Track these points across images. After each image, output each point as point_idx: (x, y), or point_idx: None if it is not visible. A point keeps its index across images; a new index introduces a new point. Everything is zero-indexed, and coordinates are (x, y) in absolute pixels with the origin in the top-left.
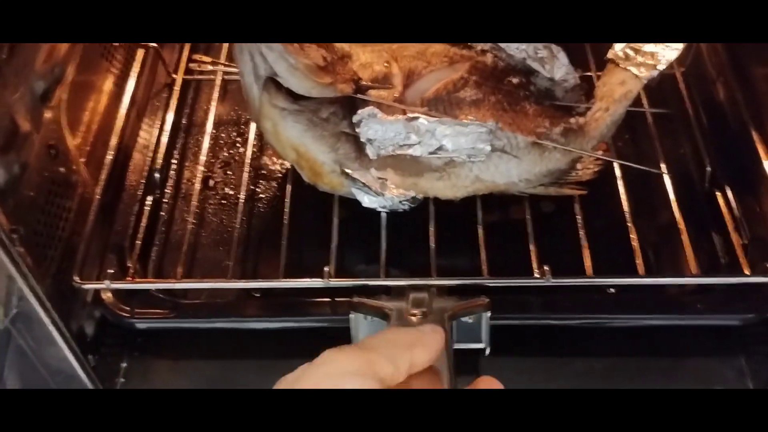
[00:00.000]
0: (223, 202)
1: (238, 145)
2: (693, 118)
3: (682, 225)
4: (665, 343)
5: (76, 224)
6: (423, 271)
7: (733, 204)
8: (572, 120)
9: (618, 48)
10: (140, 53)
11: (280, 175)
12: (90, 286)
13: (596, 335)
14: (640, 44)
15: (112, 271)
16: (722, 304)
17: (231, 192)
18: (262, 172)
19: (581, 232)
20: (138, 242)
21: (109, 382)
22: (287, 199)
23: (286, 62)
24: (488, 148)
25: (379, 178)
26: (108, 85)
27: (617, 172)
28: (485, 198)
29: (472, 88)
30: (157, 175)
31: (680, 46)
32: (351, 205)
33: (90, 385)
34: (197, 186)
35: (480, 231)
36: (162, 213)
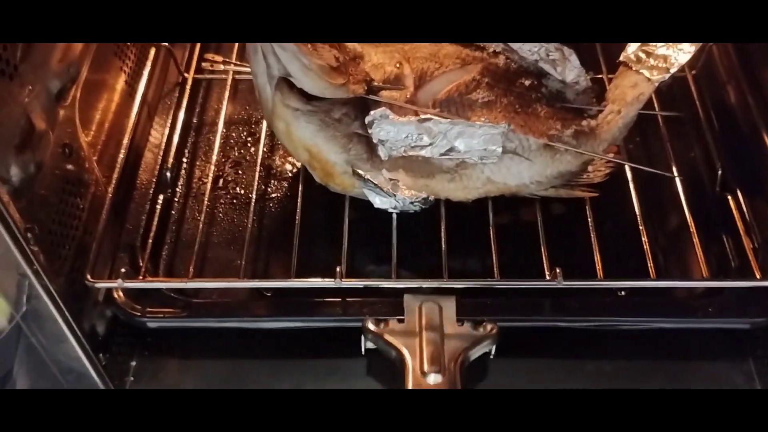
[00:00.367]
0: (234, 201)
1: (249, 144)
2: (704, 121)
3: (692, 228)
4: (675, 346)
5: (88, 223)
6: (434, 271)
7: (744, 207)
8: (584, 122)
9: (630, 51)
10: (152, 52)
11: (291, 174)
12: (102, 284)
13: (606, 338)
14: (653, 47)
15: (124, 270)
16: (732, 307)
17: (242, 191)
18: (273, 171)
19: (592, 235)
20: (149, 241)
21: (118, 381)
22: (298, 199)
23: (300, 62)
24: (500, 149)
25: (391, 179)
26: (120, 84)
27: (628, 174)
28: (496, 200)
29: (484, 90)
30: (168, 174)
31: (692, 49)
32: (362, 205)
33: (100, 384)
34: (208, 185)
35: (491, 232)
36: (173, 212)
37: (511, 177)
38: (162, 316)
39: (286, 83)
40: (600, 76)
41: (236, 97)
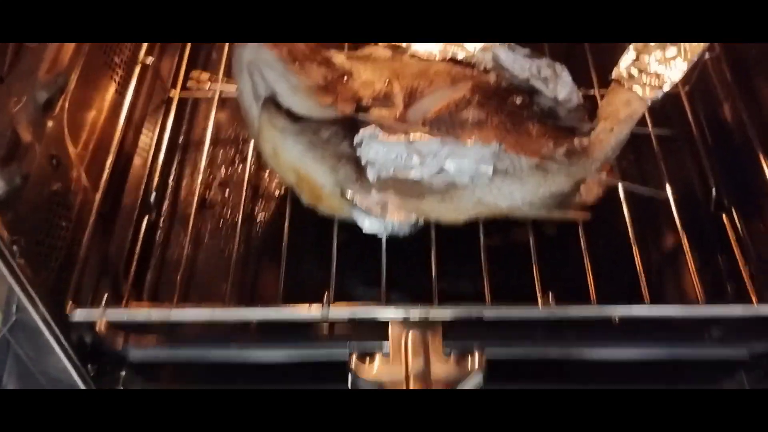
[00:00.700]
0: (220, 222)
1: (236, 163)
2: (698, 139)
3: (687, 249)
4: (669, 373)
5: (75, 234)
6: (424, 294)
7: (740, 227)
8: (576, 141)
9: (622, 67)
10: (137, 69)
11: (278, 194)
12: (83, 316)
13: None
14: (645, 64)
15: (106, 295)
16: (730, 334)
17: (228, 212)
18: (261, 191)
19: (585, 257)
20: (133, 266)
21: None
22: (286, 221)
23: (287, 82)
24: (491, 170)
25: (380, 201)
26: (106, 101)
27: (621, 194)
28: (488, 221)
29: (475, 108)
30: (153, 195)
31: (685, 66)
32: (352, 226)
33: None
34: (194, 206)
35: (482, 255)
36: (158, 234)
37: (502, 198)
38: (145, 345)
39: (273, 103)
40: (592, 92)
41: (223, 114)
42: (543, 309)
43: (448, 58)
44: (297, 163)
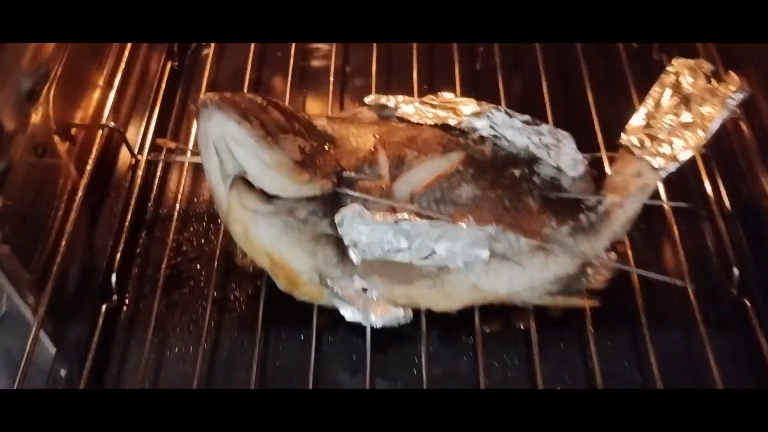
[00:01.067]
0: (189, 305)
1: (208, 237)
2: (717, 211)
3: (707, 342)
4: None
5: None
6: (413, 384)
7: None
8: (582, 217)
9: (632, 133)
10: (100, 133)
11: (253, 272)
12: None
13: None
14: (657, 129)
15: None
16: None
17: (198, 294)
18: (234, 270)
19: (593, 351)
20: (88, 365)
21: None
22: (260, 305)
23: (257, 159)
24: (487, 254)
25: (364, 289)
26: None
27: (633, 276)
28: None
29: (469, 183)
30: (114, 278)
31: (703, 135)
32: (333, 310)
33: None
34: (159, 291)
35: (478, 343)
36: (120, 323)
37: (500, 283)
38: None
39: (243, 181)
40: (598, 154)
41: (195, 182)
42: None
43: (439, 124)
44: (270, 246)
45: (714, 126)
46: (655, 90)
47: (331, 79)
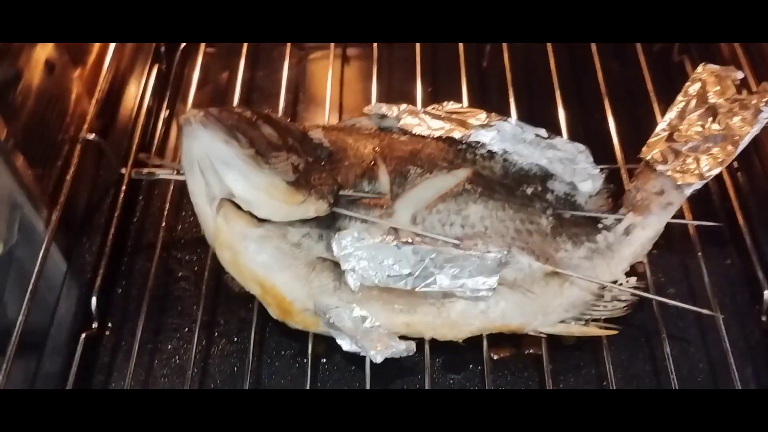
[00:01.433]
0: (175, 332)
1: (197, 257)
2: (746, 232)
3: (735, 375)
4: None
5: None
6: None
7: None
8: (599, 238)
9: (654, 147)
10: (78, 148)
11: (244, 296)
12: None
13: None
14: (681, 144)
15: None
16: None
17: (185, 320)
18: (224, 293)
19: (610, 377)
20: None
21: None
22: (252, 327)
23: (246, 181)
24: (496, 281)
25: (363, 317)
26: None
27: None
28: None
29: (477, 202)
30: (94, 302)
31: (732, 150)
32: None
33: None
34: (143, 316)
35: (486, 372)
36: (101, 354)
37: (510, 312)
38: None
39: (230, 204)
40: (616, 165)
41: (183, 199)
42: None
43: (444, 137)
44: (261, 273)
45: (745, 141)
46: (678, 100)
47: (329, 82)
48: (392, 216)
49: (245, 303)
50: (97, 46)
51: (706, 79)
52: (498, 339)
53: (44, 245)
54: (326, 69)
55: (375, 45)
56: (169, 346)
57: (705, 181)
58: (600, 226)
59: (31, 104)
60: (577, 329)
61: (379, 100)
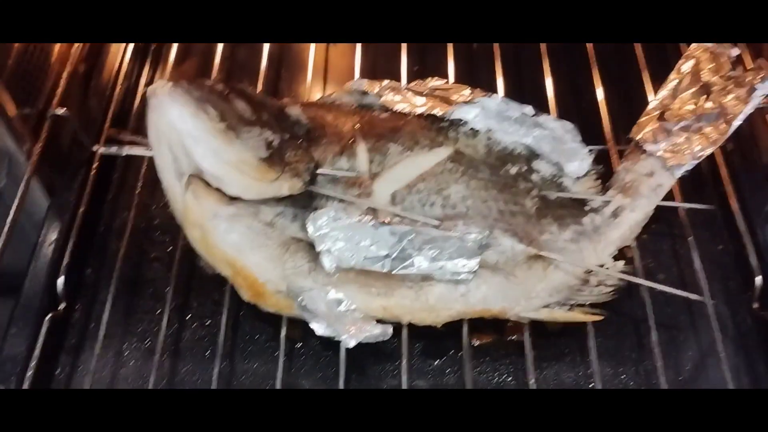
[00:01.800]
0: (146, 314)
1: (168, 237)
2: (738, 214)
3: (725, 362)
4: None
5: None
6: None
7: None
8: (586, 220)
9: (644, 127)
10: (47, 123)
11: (217, 277)
12: None
13: None
14: (672, 124)
15: None
16: None
17: (157, 303)
18: (197, 275)
19: (596, 375)
20: (26, 384)
21: None
22: (224, 313)
23: (216, 157)
24: (476, 264)
25: (338, 301)
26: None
27: (641, 287)
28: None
29: (458, 182)
30: (61, 282)
31: (726, 129)
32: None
33: None
34: (111, 297)
35: (466, 358)
36: (69, 334)
37: (492, 296)
38: None
39: (199, 181)
40: (606, 147)
41: (157, 178)
42: None
43: (426, 114)
44: (232, 254)
45: (738, 120)
46: (671, 77)
47: (311, 58)
48: (370, 195)
49: (219, 286)
50: None
51: (700, 56)
52: (479, 324)
53: (5, 232)
54: (309, 44)
55: None
56: (139, 329)
57: (696, 162)
58: (587, 208)
59: None
60: (560, 315)
61: (364, 76)
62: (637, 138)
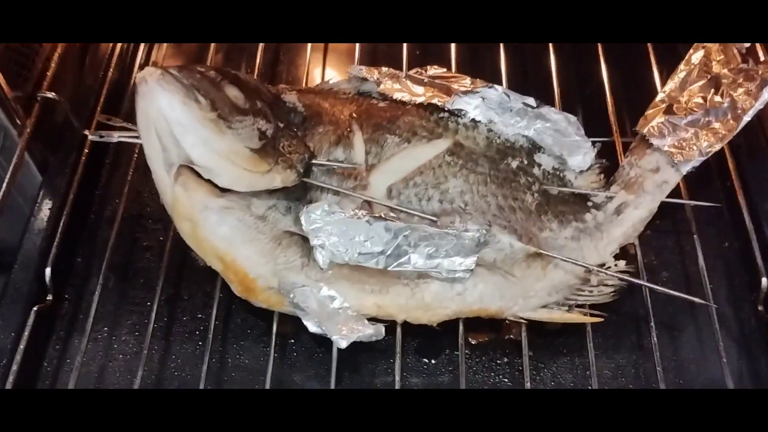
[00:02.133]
0: (136, 306)
1: (159, 227)
2: (747, 213)
3: (727, 367)
4: None
5: None
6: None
7: None
8: (588, 217)
9: (651, 120)
10: (37, 106)
11: (210, 271)
12: None
13: None
14: (679, 118)
15: None
16: None
17: (148, 294)
18: (189, 266)
19: (593, 375)
20: (11, 380)
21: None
22: (214, 306)
23: (206, 147)
24: (473, 262)
25: (331, 297)
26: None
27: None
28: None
29: (456, 176)
30: (48, 273)
31: (735, 126)
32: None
33: None
34: (99, 288)
35: (462, 357)
36: (57, 327)
37: (489, 295)
38: None
39: (189, 171)
40: (610, 138)
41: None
42: None
43: (425, 104)
44: (222, 247)
45: (748, 116)
46: (680, 69)
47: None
48: (366, 188)
49: (211, 277)
50: None
51: (710, 46)
52: (476, 322)
53: None
54: None
55: None
56: (129, 321)
57: (704, 159)
58: (589, 204)
59: None
60: (559, 315)
61: (364, 61)
62: (643, 131)
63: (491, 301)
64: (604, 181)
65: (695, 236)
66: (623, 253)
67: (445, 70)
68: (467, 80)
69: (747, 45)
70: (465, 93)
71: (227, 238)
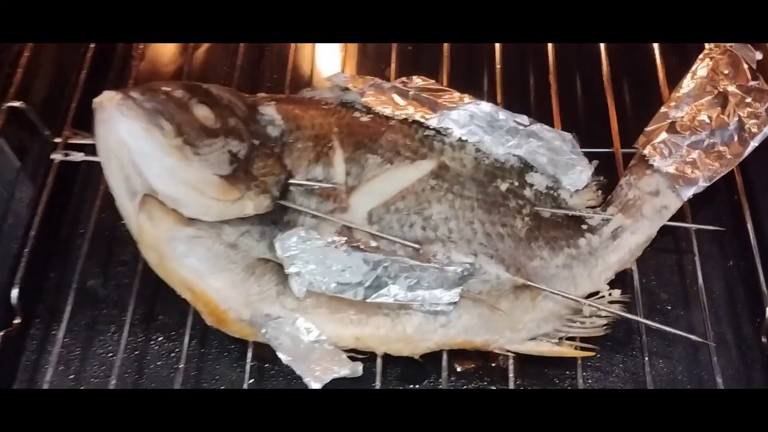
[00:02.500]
0: (108, 326)
1: (132, 241)
2: (753, 236)
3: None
4: None
5: None
6: None
7: None
8: (582, 242)
9: (652, 138)
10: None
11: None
12: None
13: None
14: (683, 138)
15: None
16: None
17: (121, 313)
18: (164, 283)
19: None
20: None
21: None
22: (187, 328)
23: (170, 176)
24: (457, 296)
25: (307, 330)
26: None
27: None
28: None
29: (441, 201)
30: (15, 294)
31: (743, 151)
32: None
33: None
34: (69, 308)
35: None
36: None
37: (474, 327)
38: None
39: (155, 200)
40: (610, 150)
41: None
42: None
43: (410, 120)
44: (191, 278)
45: (756, 141)
46: (685, 82)
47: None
48: (346, 211)
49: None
50: None
51: (718, 57)
52: (462, 350)
53: None
54: None
55: None
56: (100, 340)
57: (707, 185)
58: (584, 227)
59: None
60: (548, 349)
61: (354, 62)
62: (643, 151)
63: (477, 334)
64: (602, 198)
65: (696, 256)
66: (620, 274)
67: (432, 81)
68: (455, 95)
69: (758, 58)
70: (452, 109)
71: (196, 269)
